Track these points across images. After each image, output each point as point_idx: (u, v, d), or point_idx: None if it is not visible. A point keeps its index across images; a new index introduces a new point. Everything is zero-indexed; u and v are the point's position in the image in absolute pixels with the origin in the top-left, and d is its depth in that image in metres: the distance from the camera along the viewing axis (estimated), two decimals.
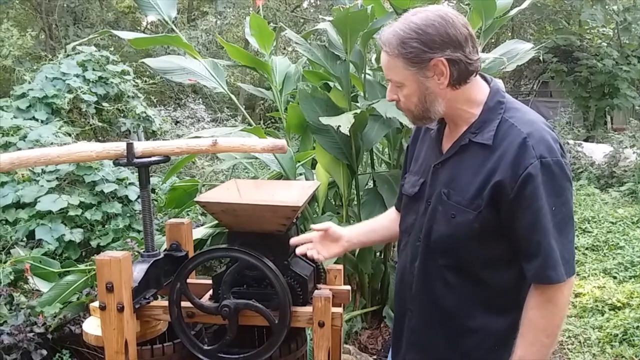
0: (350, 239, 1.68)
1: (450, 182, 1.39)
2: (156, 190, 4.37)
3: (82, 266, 3.01)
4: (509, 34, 13.97)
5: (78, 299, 2.88)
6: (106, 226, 3.73)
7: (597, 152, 8.13)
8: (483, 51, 3.58)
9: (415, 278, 1.47)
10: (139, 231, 3.70)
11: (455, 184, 1.38)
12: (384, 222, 1.76)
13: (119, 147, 1.72)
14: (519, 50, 3.26)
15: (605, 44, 11.47)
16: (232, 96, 3.41)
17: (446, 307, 1.43)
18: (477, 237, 1.35)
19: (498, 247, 1.36)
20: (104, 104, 4.91)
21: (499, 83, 1.44)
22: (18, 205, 3.62)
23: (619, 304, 3.83)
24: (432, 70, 1.32)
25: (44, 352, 2.75)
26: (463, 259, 1.39)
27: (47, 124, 4.35)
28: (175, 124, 6.98)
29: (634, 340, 3.36)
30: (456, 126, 1.42)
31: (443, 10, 1.32)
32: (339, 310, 1.72)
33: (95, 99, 4.81)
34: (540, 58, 7.74)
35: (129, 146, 1.70)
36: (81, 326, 1.85)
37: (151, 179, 1.84)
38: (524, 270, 1.33)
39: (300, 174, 3.46)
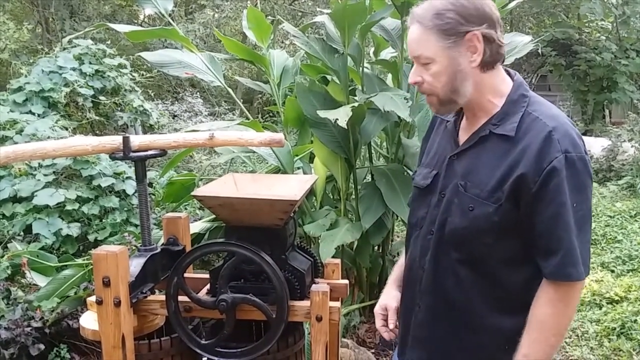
0: (395, 296, 1.62)
1: (467, 174, 1.35)
2: (154, 184, 4.36)
3: (79, 260, 3.01)
4: (508, 27, 13.92)
5: (75, 293, 2.88)
6: (103, 220, 3.72)
7: (595, 145, 8.13)
8: None
9: (426, 272, 1.43)
10: (136, 225, 3.70)
11: (473, 175, 1.34)
12: None
13: (115, 140, 1.70)
14: (518, 43, 3.24)
15: (604, 38, 11.44)
16: (230, 90, 3.40)
17: (455, 302, 1.39)
18: (494, 231, 1.31)
19: (513, 244, 1.32)
20: (101, 97, 4.90)
21: (521, 77, 1.42)
22: (15, 199, 3.61)
23: (616, 298, 3.83)
24: (466, 45, 1.28)
25: (42, 346, 2.75)
26: (477, 254, 1.35)
27: (43, 117, 4.34)
28: (173, 118, 6.96)
29: (631, 333, 3.36)
30: (475, 117, 1.39)
31: None
32: (337, 304, 1.72)
33: (92, 92, 4.79)
34: (539, 51, 7.73)
35: (126, 140, 1.69)
36: (79, 320, 1.84)
37: (148, 172, 1.83)
38: (541, 267, 1.29)
39: (298, 168, 3.45)
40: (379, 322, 1.63)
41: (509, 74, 1.40)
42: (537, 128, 1.28)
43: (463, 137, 1.42)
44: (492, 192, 1.30)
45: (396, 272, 1.67)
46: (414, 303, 1.48)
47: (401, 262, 1.67)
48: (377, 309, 1.64)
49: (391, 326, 1.59)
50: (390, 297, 1.62)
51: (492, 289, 1.35)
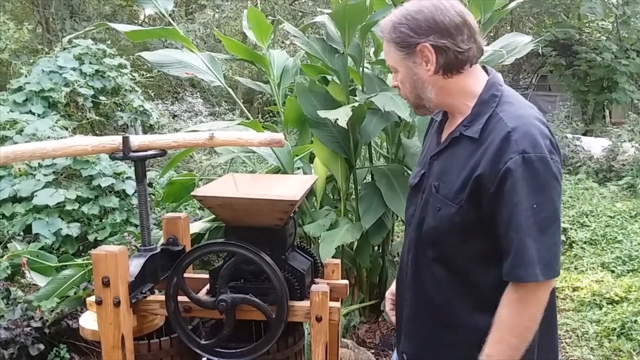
0: None
1: (440, 175, 1.40)
2: (153, 185, 4.36)
3: (79, 260, 3.00)
4: (508, 28, 13.92)
5: (75, 293, 2.87)
6: (103, 220, 3.72)
7: (595, 146, 8.12)
8: None
9: (409, 269, 1.49)
10: (136, 225, 3.70)
11: (445, 176, 1.38)
12: None
13: (115, 140, 1.70)
14: (518, 44, 3.24)
15: (605, 38, 11.44)
16: (230, 90, 3.39)
17: (434, 299, 1.43)
18: (458, 231, 1.34)
19: (480, 244, 1.33)
20: (101, 97, 4.90)
21: (498, 76, 1.42)
22: (15, 199, 3.61)
23: (617, 298, 3.83)
24: (419, 55, 1.34)
25: (41, 346, 2.75)
26: (447, 253, 1.38)
27: (43, 117, 4.34)
28: (173, 118, 6.96)
29: (631, 334, 3.36)
30: (454, 118, 1.43)
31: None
32: (337, 304, 1.72)
33: (92, 92, 4.79)
34: (539, 51, 7.72)
35: (125, 140, 1.68)
36: (78, 320, 1.84)
37: (148, 173, 1.83)
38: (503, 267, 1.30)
39: (298, 168, 3.45)
40: (388, 306, 1.70)
41: (487, 71, 1.42)
42: (498, 129, 1.29)
43: (444, 137, 1.46)
44: (457, 193, 1.33)
45: None
46: (402, 297, 1.55)
47: None
48: (388, 294, 1.71)
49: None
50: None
51: (466, 288, 1.38)
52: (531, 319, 1.28)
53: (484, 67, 1.43)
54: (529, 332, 1.29)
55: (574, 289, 4.11)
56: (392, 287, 1.69)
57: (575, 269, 4.53)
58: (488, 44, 3.69)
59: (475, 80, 1.39)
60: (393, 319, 1.66)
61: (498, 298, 1.31)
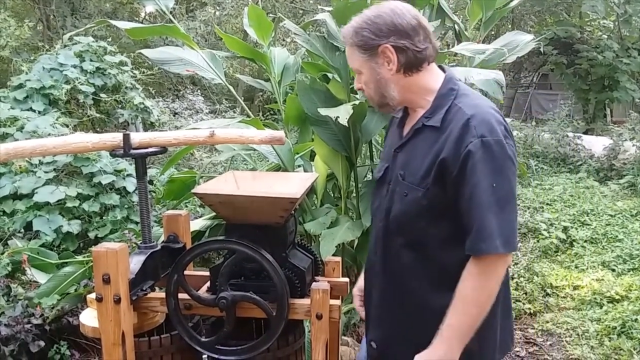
0: None
1: (405, 164, 1.51)
2: (154, 182, 4.36)
3: (79, 257, 3.01)
4: (509, 26, 13.90)
5: (76, 290, 2.88)
6: (104, 218, 3.72)
7: (596, 144, 8.11)
8: (483, 43, 3.56)
9: (378, 257, 1.57)
10: (136, 223, 3.70)
11: (409, 165, 1.49)
12: None
13: (116, 138, 1.70)
14: (519, 42, 3.24)
15: (606, 36, 11.43)
16: (231, 87, 3.39)
17: (402, 284, 1.51)
18: (425, 215, 1.44)
19: (446, 226, 1.43)
20: (102, 95, 4.89)
21: (454, 73, 1.54)
22: (15, 196, 3.61)
23: (617, 297, 3.83)
24: (381, 56, 1.46)
25: (42, 343, 2.75)
26: (415, 237, 1.47)
27: (44, 115, 4.33)
28: (174, 116, 6.95)
29: (632, 332, 3.36)
30: (415, 113, 1.54)
31: (394, 4, 1.48)
32: (337, 302, 1.72)
33: (92, 89, 4.78)
34: (541, 50, 7.71)
35: (126, 137, 1.68)
36: (79, 317, 1.84)
37: (149, 170, 1.83)
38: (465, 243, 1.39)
39: (299, 166, 3.45)
40: (357, 302, 1.77)
41: (442, 69, 1.55)
42: (458, 117, 1.41)
43: (406, 131, 1.57)
44: (422, 178, 1.44)
45: None
46: (371, 285, 1.63)
47: None
48: (355, 290, 1.78)
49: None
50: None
51: (433, 270, 1.47)
52: (491, 290, 1.39)
53: (440, 67, 1.56)
54: (488, 303, 1.39)
55: (575, 288, 4.11)
56: (360, 283, 1.75)
57: (576, 267, 4.53)
58: (489, 43, 3.69)
59: (433, 77, 1.52)
60: (363, 314, 1.72)
61: (460, 277, 1.41)
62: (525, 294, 4.01)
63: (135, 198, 3.85)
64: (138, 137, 1.71)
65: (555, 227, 5.21)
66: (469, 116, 1.39)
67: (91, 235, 3.61)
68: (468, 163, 1.35)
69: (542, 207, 5.93)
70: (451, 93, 1.47)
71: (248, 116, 3.44)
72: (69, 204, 3.56)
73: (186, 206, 4.35)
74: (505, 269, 1.41)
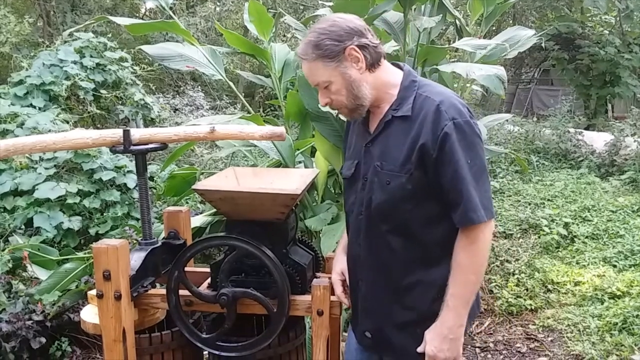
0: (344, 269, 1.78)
1: (382, 155, 1.57)
2: (155, 178, 4.35)
3: (80, 254, 3.01)
4: (511, 21, 13.86)
5: (77, 286, 2.88)
6: (105, 214, 3.72)
7: (597, 140, 8.09)
8: (484, 38, 3.55)
9: (362, 248, 1.62)
10: (137, 219, 3.69)
11: (386, 155, 1.56)
12: None
13: (116, 134, 1.70)
14: (521, 37, 3.22)
15: (607, 32, 11.39)
16: (231, 84, 3.38)
17: (391, 268, 1.58)
18: (410, 198, 1.52)
19: (429, 205, 1.53)
20: (102, 91, 4.89)
21: (409, 66, 1.65)
22: (16, 192, 3.61)
23: (618, 293, 3.82)
24: (348, 59, 1.52)
25: (43, 339, 2.75)
26: (401, 221, 1.55)
27: (44, 111, 4.33)
28: (174, 112, 6.95)
29: (633, 328, 3.36)
30: (379, 109, 1.61)
31: (336, 14, 1.57)
32: None
33: (93, 86, 4.78)
34: (542, 45, 7.69)
35: (126, 133, 1.68)
36: (80, 314, 1.84)
37: (150, 166, 1.82)
38: (453, 219, 1.50)
39: (300, 162, 3.44)
40: (338, 289, 1.75)
41: (398, 66, 1.64)
42: (427, 104, 1.52)
43: (373, 126, 1.63)
44: (403, 165, 1.52)
45: (344, 239, 1.82)
46: (357, 278, 1.67)
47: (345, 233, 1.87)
48: (335, 276, 1.77)
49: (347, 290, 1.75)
50: (344, 262, 1.76)
51: (420, 249, 1.56)
52: (483, 256, 1.52)
53: (394, 63, 1.65)
54: (483, 268, 1.54)
55: (576, 284, 4.10)
56: (338, 267, 1.78)
57: (577, 263, 4.52)
58: (490, 38, 3.68)
59: (391, 72, 1.61)
60: (346, 301, 1.74)
61: (444, 250, 1.53)
62: (527, 290, 4.01)
63: (135, 194, 3.84)
64: (138, 133, 1.71)
65: (557, 223, 5.20)
66: (438, 102, 1.50)
67: (92, 231, 3.60)
68: (446, 144, 1.46)
69: (543, 203, 5.91)
70: (413, 85, 1.57)
71: (248, 112, 3.44)
72: (70, 201, 3.55)
73: (187, 202, 4.35)
74: (491, 232, 1.53)
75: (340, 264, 1.77)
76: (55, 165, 3.73)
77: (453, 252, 1.52)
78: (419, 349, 1.57)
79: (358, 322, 1.70)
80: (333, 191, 3.62)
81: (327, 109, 2.72)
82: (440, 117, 1.48)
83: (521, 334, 3.54)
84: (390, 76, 1.60)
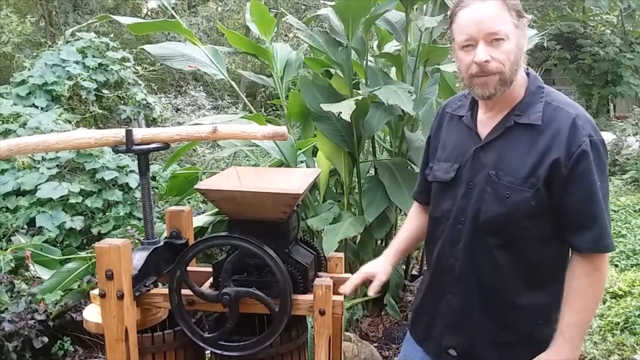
0: (386, 270, 1.69)
1: (498, 163, 1.42)
2: (157, 178, 4.36)
3: (82, 254, 3.02)
4: None
5: (79, 286, 2.89)
6: (107, 214, 3.73)
7: None
8: None
9: (460, 260, 1.49)
10: (139, 219, 3.70)
11: (504, 164, 1.41)
12: (415, 223, 1.76)
13: (118, 133, 1.70)
14: None
15: (609, 31, 11.38)
16: (233, 83, 3.39)
17: (492, 285, 1.46)
18: (531, 215, 1.39)
19: (545, 224, 1.40)
20: (104, 91, 4.90)
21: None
22: (18, 192, 3.62)
23: (620, 292, 3.81)
24: (524, 28, 1.37)
25: (45, 339, 2.76)
26: (515, 238, 1.42)
27: (47, 111, 4.34)
28: (176, 112, 6.95)
29: (635, 328, 3.35)
30: (493, 110, 1.46)
31: None
32: (340, 298, 1.71)
33: (95, 86, 4.79)
34: (544, 45, 7.68)
35: (128, 133, 1.68)
36: (82, 313, 1.84)
37: (152, 166, 1.83)
38: (574, 242, 1.39)
39: (302, 162, 3.45)
40: (358, 277, 1.68)
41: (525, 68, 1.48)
42: (562, 116, 1.37)
43: (483, 129, 1.48)
44: (526, 178, 1.37)
45: (394, 247, 1.75)
46: (446, 291, 1.54)
47: (400, 239, 1.77)
48: (367, 270, 1.69)
49: (370, 293, 1.66)
50: (383, 271, 1.68)
51: (527, 268, 1.44)
52: (603, 284, 1.43)
53: None
54: (601, 296, 1.43)
55: None
56: (376, 269, 1.68)
57: None
58: None
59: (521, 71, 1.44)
60: (349, 288, 1.67)
61: (552, 273, 1.44)
62: None
63: (138, 194, 3.85)
64: (140, 133, 1.71)
65: None
66: (575, 115, 1.36)
67: (94, 231, 3.61)
68: (581, 163, 1.33)
69: None
70: (540, 91, 1.43)
71: (250, 112, 3.44)
72: (72, 200, 3.56)
73: (189, 202, 4.36)
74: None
75: (379, 269, 1.67)
76: (57, 165, 3.74)
77: (569, 278, 1.40)
78: None
79: (431, 337, 1.59)
80: (335, 191, 3.62)
81: (333, 108, 2.73)
82: (577, 132, 1.34)
83: None
84: (522, 73, 1.44)
